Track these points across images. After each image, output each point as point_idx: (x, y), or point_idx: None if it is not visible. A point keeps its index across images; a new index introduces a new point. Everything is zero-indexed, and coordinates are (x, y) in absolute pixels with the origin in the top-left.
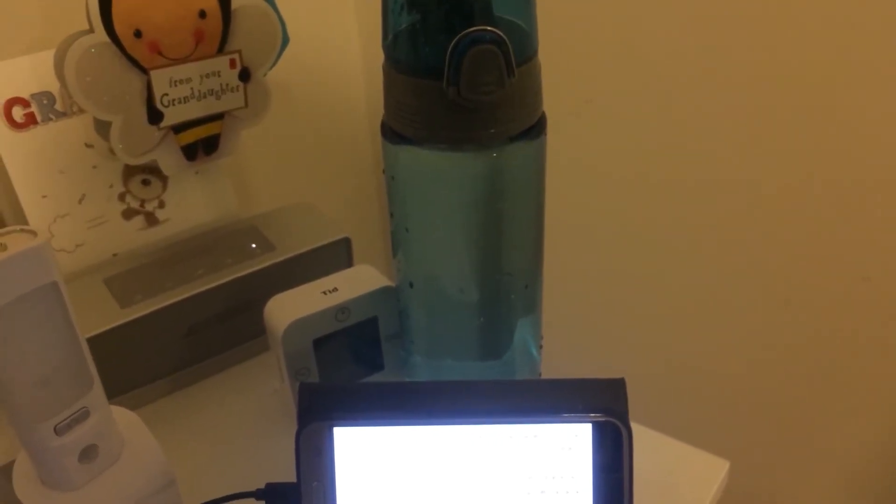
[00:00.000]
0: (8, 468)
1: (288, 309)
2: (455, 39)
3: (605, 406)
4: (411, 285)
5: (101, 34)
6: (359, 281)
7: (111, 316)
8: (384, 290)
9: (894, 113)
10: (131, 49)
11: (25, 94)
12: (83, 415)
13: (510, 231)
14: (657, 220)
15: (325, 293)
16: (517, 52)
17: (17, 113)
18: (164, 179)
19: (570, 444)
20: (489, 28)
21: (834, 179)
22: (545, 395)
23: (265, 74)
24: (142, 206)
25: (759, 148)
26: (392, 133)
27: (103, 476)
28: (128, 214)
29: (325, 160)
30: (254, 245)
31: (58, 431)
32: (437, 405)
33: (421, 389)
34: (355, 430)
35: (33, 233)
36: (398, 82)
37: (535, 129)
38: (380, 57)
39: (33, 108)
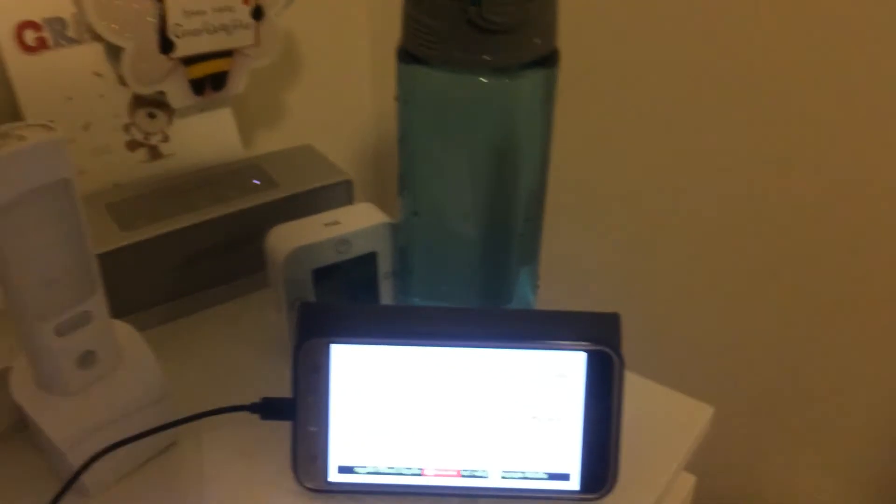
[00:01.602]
0: (5, 373)
1: (289, 238)
2: None
3: (600, 336)
4: (416, 214)
5: None
6: (360, 216)
7: (112, 238)
8: (384, 226)
9: None
10: None
11: (38, 18)
12: (84, 318)
13: (517, 161)
14: (657, 164)
15: (326, 225)
16: None
17: (29, 36)
18: (169, 114)
19: (564, 371)
20: None
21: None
22: (542, 324)
23: (278, 14)
24: (146, 138)
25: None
26: (408, 55)
27: (100, 383)
28: (132, 146)
29: (327, 105)
30: (256, 181)
31: (58, 332)
32: (433, 327)
33: (418, 312)
34: (352, 348)
35: (52, 127)
36: (418, 2)
37: (549, 59)
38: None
39: (45, 33)
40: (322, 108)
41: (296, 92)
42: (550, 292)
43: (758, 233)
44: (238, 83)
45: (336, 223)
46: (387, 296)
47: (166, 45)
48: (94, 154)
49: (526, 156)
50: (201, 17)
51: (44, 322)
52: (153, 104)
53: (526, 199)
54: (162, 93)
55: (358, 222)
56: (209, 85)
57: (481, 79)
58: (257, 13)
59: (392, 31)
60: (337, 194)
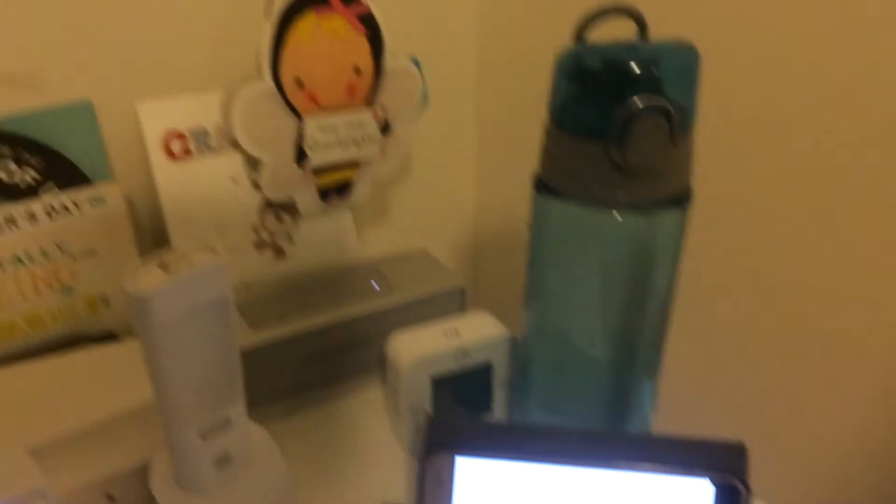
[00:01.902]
0: (141, 469)
1: (411, 346)
2: (626, 108)
3: (727, 466)
4: (541, 332)
5: (268, 82)
6: (478, 326)
7: (242, 337)
8: (502, 337)
9: None
10: (291, 97)
11: (184, 129)
12: (226, 422)
13: (647, 290)
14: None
15: (446, 334)
16: (679, 123)
17: (175, 145)
18: (295, 216)
19: (688, 499)
20: (659, 100)
21: None
22: (667, 449)
23: (403, 128)
24: (273, 239)
25: None
26: (545, 187)
27: (234, 483)
28: (259, 246)
29: (434, 206)
30: (375, 285)
31: (202, 435)
32: (559, 446)
33: (544, 431)
34: (477, 463)
35: (217, 252)
36: (560, 141)
37: (684, 197)
38: (492, 112)
39: (189, 142)
40: (429, 209)
41: (406, 194)
42: (667, 409)
43: None
44: (362, 191)
45: (456, 333)
46: (501, 404)
47: (301, 157)
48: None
49: (655, 285)
50: (335, 133)
51: (189, 426)
52: (281, 207)
53: (652, 324)
54: (291, 198)
55: (477, 333)
56: (335, 192)
57: (617, 215)
58: (385, 128)
59: (495, 139)
60: (451, 300)
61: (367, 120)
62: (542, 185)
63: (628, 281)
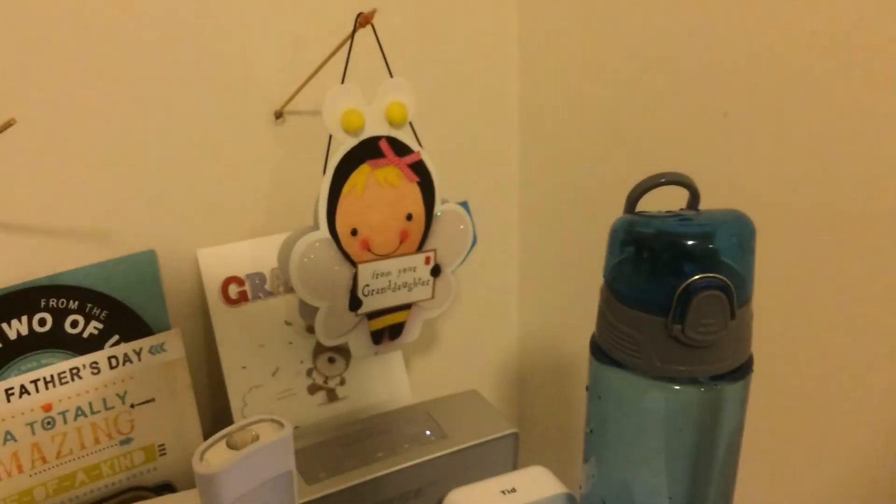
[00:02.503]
0: None
1: None
2: (685, 283)
3: None
4: (602, 497)
5: (324, 231)
6: (536, 484)
7: (299, 492)
8: (561, 497)
9: None
10: (346, 245)
11: (242, 274)
12: None
13: (709, 463)
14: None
15: (504, 492)
16: (737, 296)
17: (233, 290)
18: (347, 358)
19: None
20: (717, 275)
21: None
22: None
23: (453, 271)
24: (325, 381)
25: None
26: (603, 354)
27: None
28: (312, 389)
29: (480, 348)
30: (428, 432)
31: None
32: None
33: None
34: None
35: (280, 423)
36: (617, 310)
37: (744, 368)
38: (534, 263)
39: (246, 287)
40: (475, 342)
41: (452, 328)
42: None
43: None
44: (413, 332)
45: (513, 490)
46: None
47: (355, 303)
48: (279, 398)
49: (719, 451)
50: (387, 278)
51: None
52: (333, 349)
53: (717, 487)
54: (344, 342)
55: (536, 492)
56: (387, 335)
57: (676, 387)
58: (436, 270)
59: (538, 274)
60: (504, 445)
61: (419, 264)
62: (599, 350)
63: (691, 447)
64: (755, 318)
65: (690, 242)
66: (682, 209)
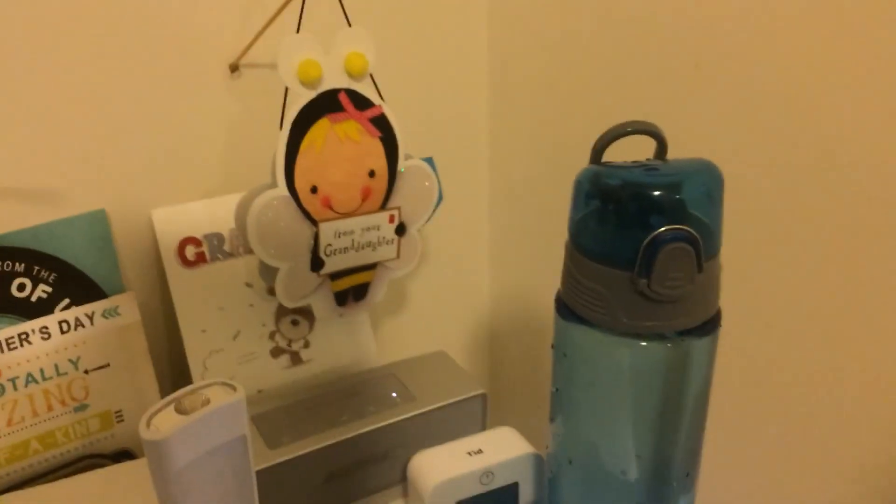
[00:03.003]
0: None
1: (434, 468)
2: (651, 236)
3: None
4: (570, 462)
5: (282, 188)
6: (503, 444)
7: (261, 456)
8: (528, 457)
9: None
10: (306, 203)
11: (199, 235)
12: None
13: (677, 419)
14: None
15: (469, 454)
16: (704, 249)
17: (190, 251)
18: (311, 321)
19: None
20: (684, 227)
21: None
22: None
23: (419, 229)
24: (289, 345)
25: None
26: (569, 312)
27: None
28: (275, 353)
29: (451, 303)
30: (394, 394)
31: None
32: None
33: None
34: None
35: (232, 387)
36: (582, 265)
37: (711, 322)
38: (505, 221)
39: (204, 248)
40: (444, 302)
41: (420, 288)
42: None
43: None
44: (378, 293)
45: (479, 452)
46: None
47: (317, 264)
48: (241, 362)
49: (686, 412)
50: (350, 237)
51: None
52: (297, 311)
53: (685, 443)
54: (307, 304)
55: (502, 452)
56: (351, 296)
57: (643, 343)
58: (401, 229)
59: (508, 231)
60: (472, 406)
61: (382, 223)
62: (565, 308)
63: (658, 403)
64: (723, 271)
65: (657, 193)
66: (648, 159)
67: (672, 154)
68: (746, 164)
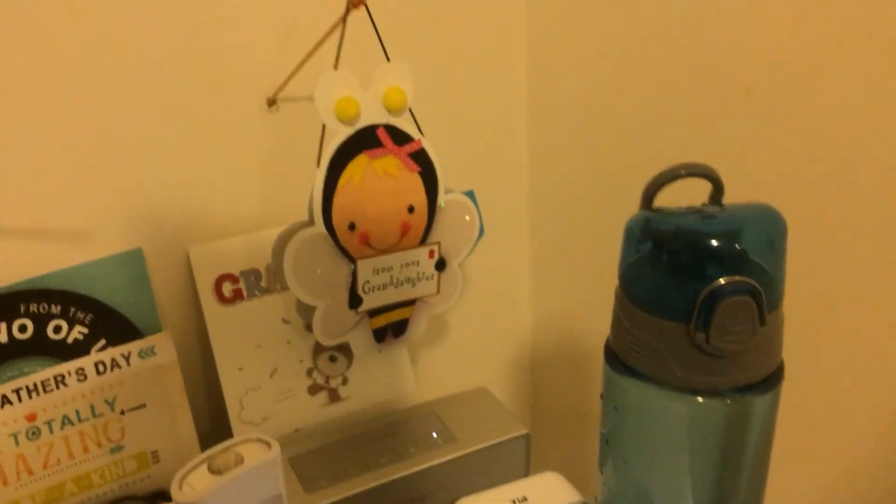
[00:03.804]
0: None
1: None
2: (709, 287)
3: None
4: None
5: (320, 226)
6: (550, 492)
7: (297, 501)
8: None
9: None
10: (344, 240)
11: (236, 271)
12: None
13: (736, 476)
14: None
15: (514, 502)
16: (767, 301)
17: (227, 288)
18: (349, 357)
19: None
20: (745, 279)
21: None
22: None
23: (460, 264)
24: (327, 381)
25: None
26: (619, 363)
27: None
28: (313, 390)
29: (491, 342)
30: (434, 434)
31: None
32: None
33: None
34: None
35: (267, 443)
36: (633, 315)
37: (773, 377)
38: (546, 236)
39: (241, 285)
40: (485, 336)
41: (460, 321)
42: None
43: None
44: (417, 329)
45: (524, 500)
46: None
47: (355, 301)
48: (278, 399)
49: (746, 468)
50: (389, 273)
51: None
52: (335, 348)
53: (744, 495)
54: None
55: (548, 501)
56: (390, 332)
57: (699, 399)
58: (440, 265)
59: (550, 262)
60: (515, 447)
61: (422, 258)
62: (615, 358)
63: (716, 459)
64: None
65: (715, 242)
66: (704, 204)
67: (729, 194)
68: (802, 198)
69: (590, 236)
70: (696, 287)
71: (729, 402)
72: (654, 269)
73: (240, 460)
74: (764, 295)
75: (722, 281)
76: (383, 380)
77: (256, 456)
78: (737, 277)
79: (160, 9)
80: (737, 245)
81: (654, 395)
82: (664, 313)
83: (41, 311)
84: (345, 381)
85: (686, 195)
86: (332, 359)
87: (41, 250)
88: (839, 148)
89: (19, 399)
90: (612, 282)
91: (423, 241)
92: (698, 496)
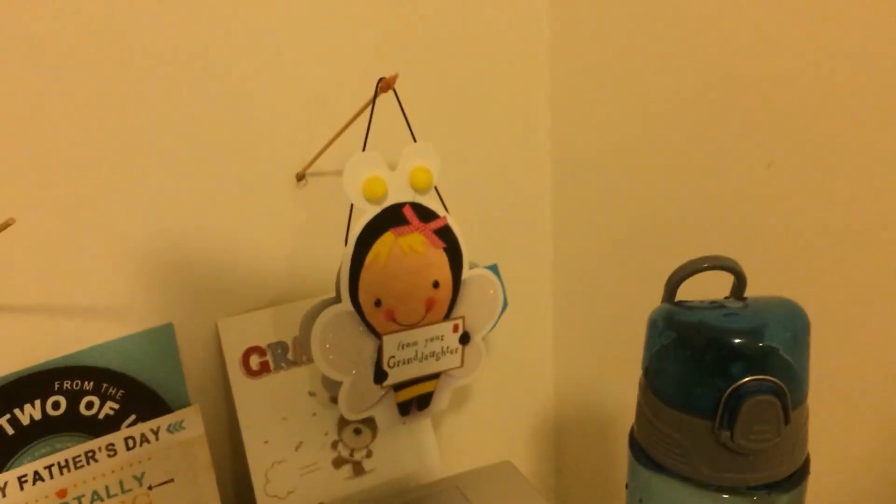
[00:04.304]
0: None
1: None
2: (733, 386)
3: None
4: None
5: (347, 304)
6: None
7: None
8: None
9: None
10: (370, 316)
11: (263, 344)
12: None
13: None
14: None
15: None
16: (791, 398)
17: (254, 361)
18: (374, 429)
19: None
20: (769, 378)
21: None
22: None
23: (483, 337)
24: (351, 454)
25: None
26: (644, 456)
27: None
28: (338, 462)
29: (514, 413)
30: None
31: None
32: None
33: None
34: None
35: None
36: (658, 409)
37: (799, 473)
38: (569, 326)
39: (268, 357)
40: (508, 405)
41: (483, 392)
42: None
43: None
44: (442, 402)
45: None
46: None
47: (380, 376)
48: (303, 473)
49: None
50: (414, 348)
51: None
52: (360, 421)
53: None
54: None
55: None
56: (415, 405)
57: (725, 496)
58: (465, 338)
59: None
60: None
61: (446, 332)
62: (640, 451)
63: None
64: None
65: (738, 340)
66: (726, 297)
67: (751, 287)
68: (829, 287)
69: (613, 309)
70: (720, 385)
71: (755, 499)
72: (678, 363)
73: None
74: (788, 393)
75: (746, 380)
76: (408, 452)
77: None
78: (761, 376)
79: (193, 83)
80: (760, 343)
81: (679, 491)
82: (688, 409)
83: (74, 387)
84: (369, 454)
85: (709, 285)
86: (357, 431)
87: (74, 327)
88: (860, 223)
89: (51, 476)
90: (634, 353)
91: (447, 316)
92: None
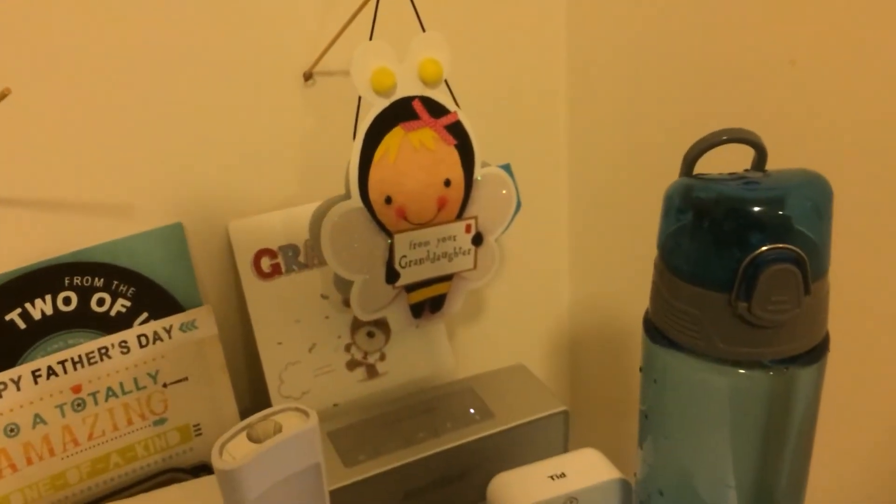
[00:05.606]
0: None
1: (515, 492)
2: (752, 255)
3: None
4: (661, 493)
5: (356, 200)
6: (588, 468)
7: (337, 475)
8: (615, 483)
9: None
10: (380, 214)
11: (274, 246)
12: None
13: (779, 451)
14: None
15: (552, 478)
16: (812, 269)
17: (265, 263)
18: (387, 332)
19: None
20: (788, 246)
21: None
22: None
23: (497, 239)
24: (365, 357)
25: None
26: (659, 335)
27: None
28: (351, 365)
29: (529, 318)
30: (472, 410)
31: None
32: None
33: None
34: None
35: (305, 412)
36: (674, 286)
37: (818, 349)
38: (585, 229)
39: (279, 260)
40: (523, 311)
41: (497, 297)
42: None
43: None
44: (455, 304)
45: (562, 475)
46: None
47: (392, 276)
48: (316, 375)
49: (790, 443)
50: (426, 248)
51: None
52: (373, 323)
53: (787, 482)
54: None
55: (587, 477)
56: (428, 308)
57: (741, 371)
58: (477, 239)
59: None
60: (553, 424)
61: (459, 233)
62: (655, 330)
63: (759, 433)
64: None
65: (757, 209)
66: (746, 170)
67: (772, 161)
68: (848, 166)
69: (630, 210)
70: (738, 255)
71: (772, 373)
72: (695, 237)
73: (278, 429)
74: (809, 263)
75: (765, 248)
76: (421, 355)
77: (295, 425)
78: (780, 245)
79: None
80: (780, 212)
81: (695, 368)
82: (705, 283)
83: (84, 283)
84: (383, 357)
85: (728, 164)
86: (370, 334)
87: (83, 224)
88: (885, 116)
89: (65, 371)
90: (652, 257)
91: (459, 216)
92: (740, 472)
